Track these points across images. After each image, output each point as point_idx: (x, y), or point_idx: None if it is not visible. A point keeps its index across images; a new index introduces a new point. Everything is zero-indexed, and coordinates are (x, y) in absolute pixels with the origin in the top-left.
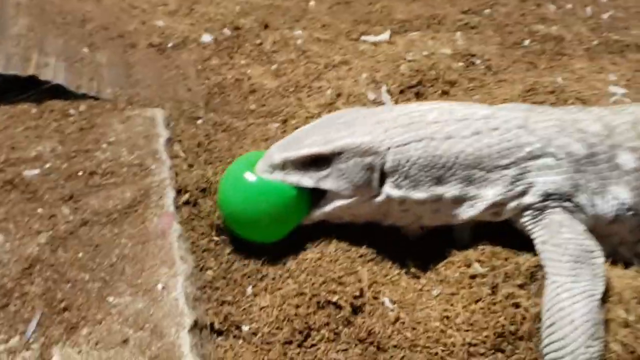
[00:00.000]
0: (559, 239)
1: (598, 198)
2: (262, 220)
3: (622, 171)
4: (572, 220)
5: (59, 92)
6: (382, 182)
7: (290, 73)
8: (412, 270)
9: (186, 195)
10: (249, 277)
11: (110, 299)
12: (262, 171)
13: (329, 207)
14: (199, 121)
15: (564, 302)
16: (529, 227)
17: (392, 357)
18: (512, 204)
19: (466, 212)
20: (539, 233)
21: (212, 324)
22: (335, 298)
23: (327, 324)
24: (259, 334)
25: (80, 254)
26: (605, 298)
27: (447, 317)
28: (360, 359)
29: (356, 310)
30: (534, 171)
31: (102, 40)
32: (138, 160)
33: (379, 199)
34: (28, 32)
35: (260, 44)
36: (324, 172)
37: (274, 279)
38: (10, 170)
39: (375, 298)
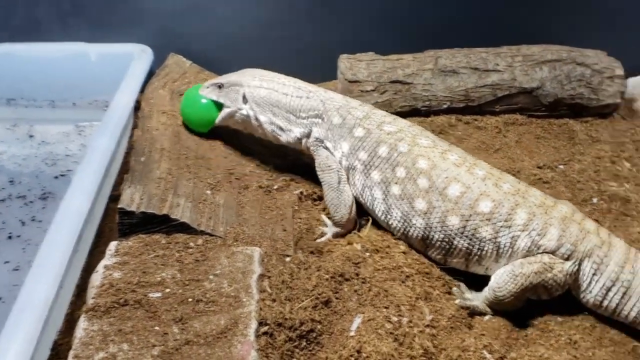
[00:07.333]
0: (319, 162)
1: (335, 146)
2: (197, 116)
3: (352, 137)
4: (328, 154)
5: (183, 227)
6: (245, 103)
7: None
8: None
9: (265, 327)
10: None
11: None
12: (200, 91)
13: (222, 114)
14: (287, 259)
15: (325, 190)
16: (314, 154)
17: None
18: (304, 140)
19: (285, 138)
20: (316, 159)
21: None
22: None
23: None
24: None
25: None
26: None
27: None
28: None
29: None
30: (313, 125)
31: (223, 183)
32: (234, 292)
33: (244, 111)
34: (167, 175)
35: None
36: (222, 92)
37: None
38: (140, 292)
39: None
